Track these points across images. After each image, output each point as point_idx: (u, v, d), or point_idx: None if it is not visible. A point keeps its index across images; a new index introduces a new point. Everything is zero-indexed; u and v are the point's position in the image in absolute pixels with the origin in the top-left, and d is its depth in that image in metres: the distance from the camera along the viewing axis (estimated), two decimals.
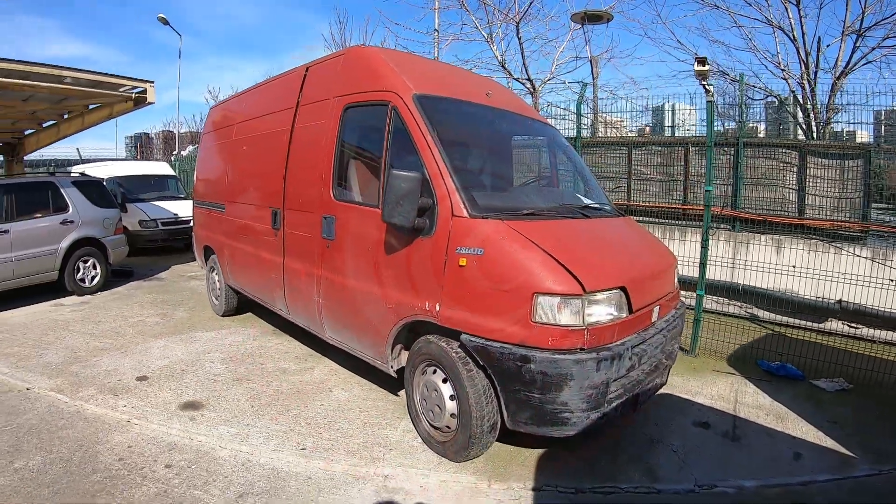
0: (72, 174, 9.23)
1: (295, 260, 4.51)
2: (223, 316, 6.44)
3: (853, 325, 5.66)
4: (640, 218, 7.68)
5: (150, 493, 2.88)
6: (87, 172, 9.63)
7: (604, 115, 9.70)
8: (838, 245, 6.05)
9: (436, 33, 11.86)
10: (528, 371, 2.73)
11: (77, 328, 5.98)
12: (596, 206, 4.14)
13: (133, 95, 8.37)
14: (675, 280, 3.88)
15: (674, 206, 7.45)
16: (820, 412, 4.04)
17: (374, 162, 3.70)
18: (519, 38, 10.50)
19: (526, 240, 2.88)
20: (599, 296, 2.84)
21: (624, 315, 2.96)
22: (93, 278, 7.76)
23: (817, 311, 5.79)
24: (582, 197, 4.32)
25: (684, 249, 6.63)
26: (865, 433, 3.73)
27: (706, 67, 4.69)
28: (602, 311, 2.86)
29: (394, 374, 3.72)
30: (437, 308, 3.10)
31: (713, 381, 4.63)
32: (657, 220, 7.56)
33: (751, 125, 10.71)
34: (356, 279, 3.78)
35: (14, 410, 3.89)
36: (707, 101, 5.08)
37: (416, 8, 22.20)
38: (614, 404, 2.93)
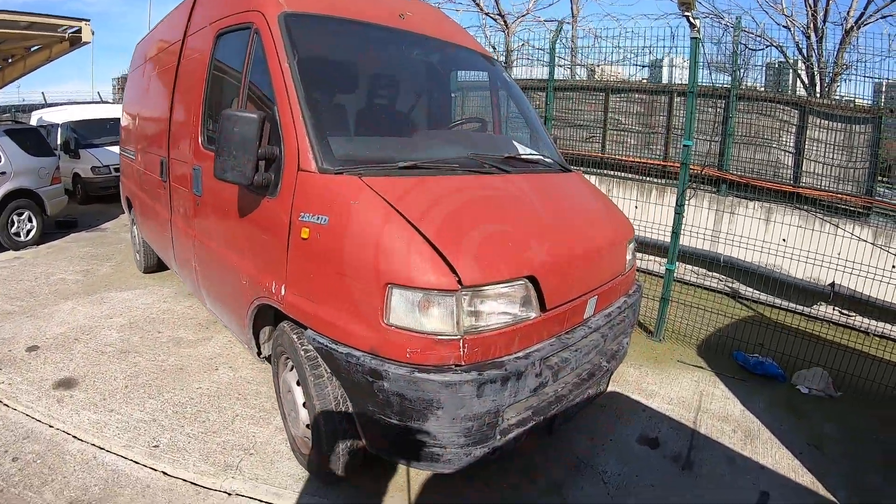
0: (4, 122, 8.66)
1: (178, 217, 3.79)
2: (145, 272, 5.87)
3: (845, 312, 4.90)
4: (615, 173, 6.83)
5: None
6: (44, 117, 9.33)
7: (598, 64, 8.62)
8: (835, 221, 5.20)
9: None
10: (381, 389, 1.98)
11: None
12: (530, 157, 3.28)
13: (68, 35, 8.11)
14: (629, 256, 3.01)
15: (652, 161, 6.54)
16: (799, 429, 3.33)
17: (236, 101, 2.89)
18: None
19: (386, 205, 2.06)
20: (489, 290, 2.02)
21: (532, 315, 2.14)
22: (28, 232, 7.14)
23: (806, 293, 5.02)
24: (518, 145, 3.46)
25: (661, 214, 5.79)
26: (851, 460, 3.05)
27: None
28: (493, 310, 2.04)
29: (261, 360, 3.07)
30: (283, 291, 2.37)
31: (676, 376, 3.92)
32: (634, 176, 6.69)
33: (747, 84, 9.57)
34: (218, 244, 3.06)
35: None
36: (692, 38, 4.18)
37: None
38: (512, 434, 2.15)
